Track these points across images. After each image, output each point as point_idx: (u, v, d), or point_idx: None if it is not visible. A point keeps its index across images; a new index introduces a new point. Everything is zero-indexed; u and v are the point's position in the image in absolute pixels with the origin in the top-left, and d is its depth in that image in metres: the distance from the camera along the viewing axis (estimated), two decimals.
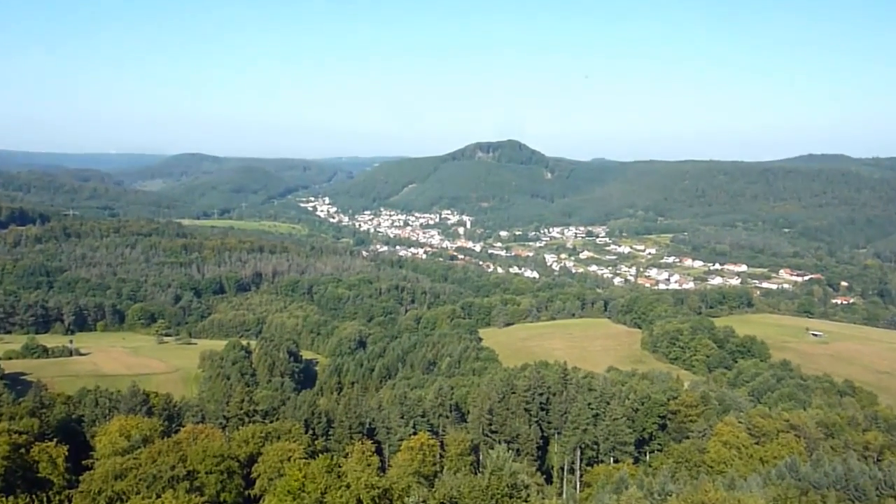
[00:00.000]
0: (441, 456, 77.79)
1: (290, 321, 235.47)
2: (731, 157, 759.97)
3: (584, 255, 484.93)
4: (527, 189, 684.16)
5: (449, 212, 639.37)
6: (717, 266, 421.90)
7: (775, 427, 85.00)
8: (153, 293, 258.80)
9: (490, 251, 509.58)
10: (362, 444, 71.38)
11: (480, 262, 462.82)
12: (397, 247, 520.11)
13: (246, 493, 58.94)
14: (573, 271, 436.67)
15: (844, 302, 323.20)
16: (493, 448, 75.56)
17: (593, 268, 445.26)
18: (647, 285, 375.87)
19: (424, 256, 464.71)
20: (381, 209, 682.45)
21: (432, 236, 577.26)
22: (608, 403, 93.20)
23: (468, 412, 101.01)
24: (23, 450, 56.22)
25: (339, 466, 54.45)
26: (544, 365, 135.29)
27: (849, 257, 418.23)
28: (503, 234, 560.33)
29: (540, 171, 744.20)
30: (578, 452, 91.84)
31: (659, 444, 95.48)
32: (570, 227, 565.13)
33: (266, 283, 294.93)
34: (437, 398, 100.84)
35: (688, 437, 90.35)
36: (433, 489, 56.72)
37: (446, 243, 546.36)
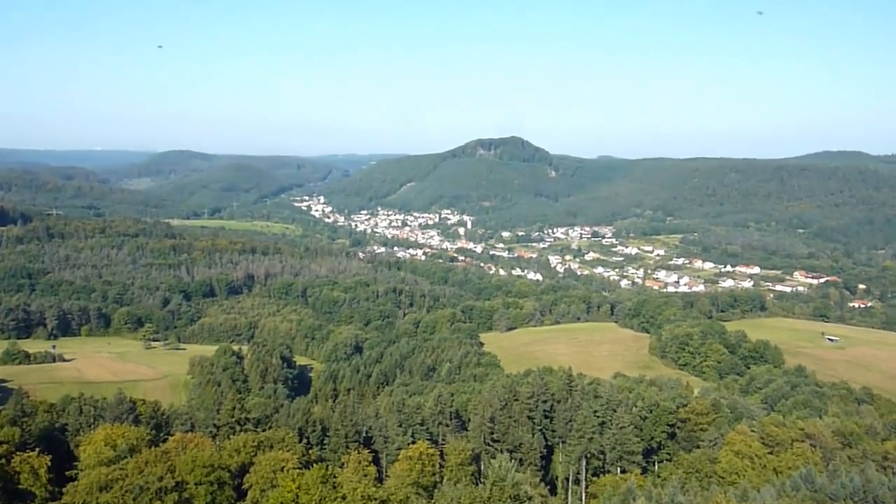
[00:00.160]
0: (441, 466, 77.73)
1: (284, 325, 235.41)
2: (743, 155, 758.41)
3: (590, 256, 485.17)
4: (530, 188, 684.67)
5: (449, 211, 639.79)
6: (729, 268, 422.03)
7: (790, 436, 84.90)
8: (140, 296, 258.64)
9: (492, 252, 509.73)
10: (359, 453, 71.49)
11: (482, 264, 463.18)
12: (395, 248, 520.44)
13: None
14: (578, 273, 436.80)
15: (862, 305, 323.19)
16: (494, 458, 75.51)
17: (599, 270, 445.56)
18: (656, 288, 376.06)
19: (423, 258, 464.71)
20: (379, 209, 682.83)
21: (431, 237, 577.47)
22: (615, 411, 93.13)
23: (469, 420, 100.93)
24: (3, 460, 56.26)
25: (335, 477, 54.45)
26: (548, 371, 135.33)
27: (866, 259, 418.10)
28: (505, 234, 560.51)
29: (543, 168, 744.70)
30: (584, 462, 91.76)
31: (668, 453, 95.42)
32: (575, 228, 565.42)
33: (258, 285, 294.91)
34: (436, 405, 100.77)
35: (698, 447, 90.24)
36: (432, 500, 56.77)
37: (446, 244, 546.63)
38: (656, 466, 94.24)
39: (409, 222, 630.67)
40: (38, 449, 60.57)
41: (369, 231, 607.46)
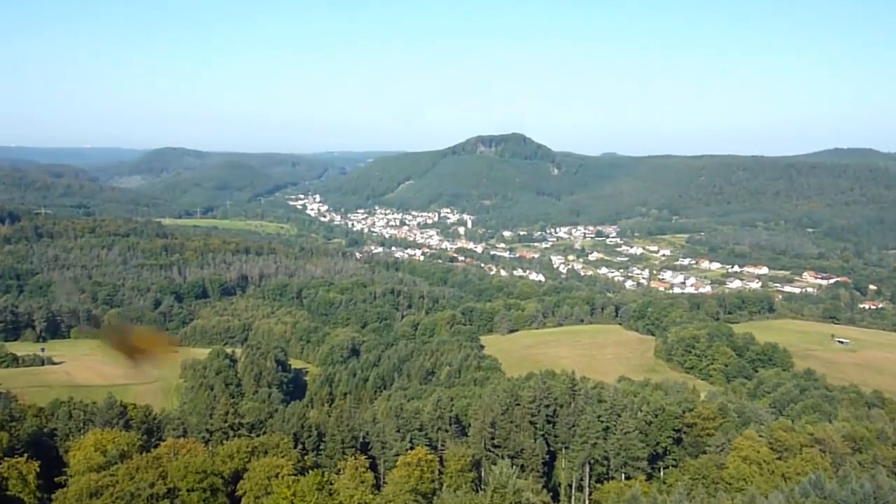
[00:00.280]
0: (440, 472, 77.76)
1: (278, 328, 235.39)
2: (751, 152, 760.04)
3: (594, 256, 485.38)
4: (532, 186, 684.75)
5: (448, 210, 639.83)
6: (736, 268, 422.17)
7: (799, 441, 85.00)
8: (131, 297, 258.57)
9: (492, 252, 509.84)
10: (355, 459, 71.44)
11: (482, 264, 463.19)
12: (393, 248, 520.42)
13: None
14: (581, 274, 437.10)
15: (873, 307, 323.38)
16: (495, 464, 75.56)
17: (603, 270, 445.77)
18: (661, 289, 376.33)
19: (422, 258, 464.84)
20: (376, 207, 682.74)
21: (430, 236, 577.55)
22: (619, 416, 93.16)
23: (469, 425, 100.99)
24: None
25: (331, 483, 54.57)
26: (551, 374, 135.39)
27: (878, 259, 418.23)
28: (506, 234, 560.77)
29: (546, 166, 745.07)
30: (587, 468, 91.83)
31: (674, 459, 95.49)
32: (579, 227, 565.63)
33: (252, 286, 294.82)
34: (435, 410, 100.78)
35: (705, 452, 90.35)
36: None
37: (445, 244, 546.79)
38: (662, 472, 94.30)
39: (407, 221, 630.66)
40: (26, 454, 60.54)
41: (366, 230, 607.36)
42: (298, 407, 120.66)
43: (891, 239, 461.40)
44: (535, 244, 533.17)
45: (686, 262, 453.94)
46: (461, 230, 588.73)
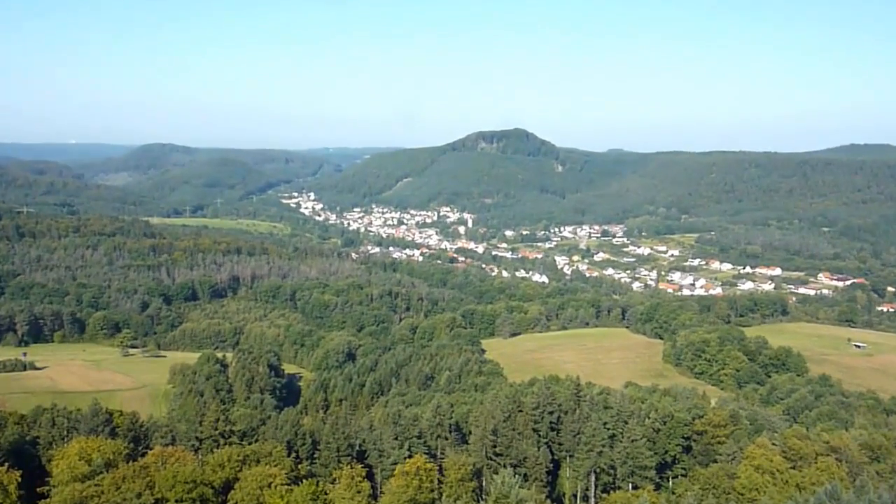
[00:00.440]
0: (439, 482, 77.73)
1: (271, 331, 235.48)
2: (764, 148, 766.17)
3: (599, 257, 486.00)
4: (535, 183, 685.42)
5: (448, 209, 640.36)
6: (748, 269, 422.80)
7: (813, 450, 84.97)
8: (117, 300, 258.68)
9: (494, 253, 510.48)
10: (351, 468, 71.44)
11: (483, 265, 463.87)
12: (391, 248, 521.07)
13: None
14: (587, 275, 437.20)
15: (891, 309, 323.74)
16: (497, 473, 75.51)
17: (609, 271, 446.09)
18: (670, 291, 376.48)
19: (421, 258, 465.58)
20: (373, 206, 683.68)
21: (430, 236, 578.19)
22: (626, 423, 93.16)
23: (470, 433, 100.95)
24: None
25: (326, 493, 54.54)
26: (555, 380, 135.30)
27: (895, 259, 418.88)
28: (508, 233, 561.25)
29: (549, 163, 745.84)
30: (593, 478, 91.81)
31: (683, 468, 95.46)
32: (584, 226, 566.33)
33: (244, 288, 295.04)
34: (434, 417, 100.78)
35: (715, 461, 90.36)
36: None
37: (445, 244, 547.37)
38: (670, 482, 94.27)
39: (405, 220, 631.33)
40: (7, 463, 60.49)
41: (363, 230, 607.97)
42: (292, 414, 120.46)
43: None
44: (539, 244, 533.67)
45: (696, 262, 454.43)
46: (461, 230, 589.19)
